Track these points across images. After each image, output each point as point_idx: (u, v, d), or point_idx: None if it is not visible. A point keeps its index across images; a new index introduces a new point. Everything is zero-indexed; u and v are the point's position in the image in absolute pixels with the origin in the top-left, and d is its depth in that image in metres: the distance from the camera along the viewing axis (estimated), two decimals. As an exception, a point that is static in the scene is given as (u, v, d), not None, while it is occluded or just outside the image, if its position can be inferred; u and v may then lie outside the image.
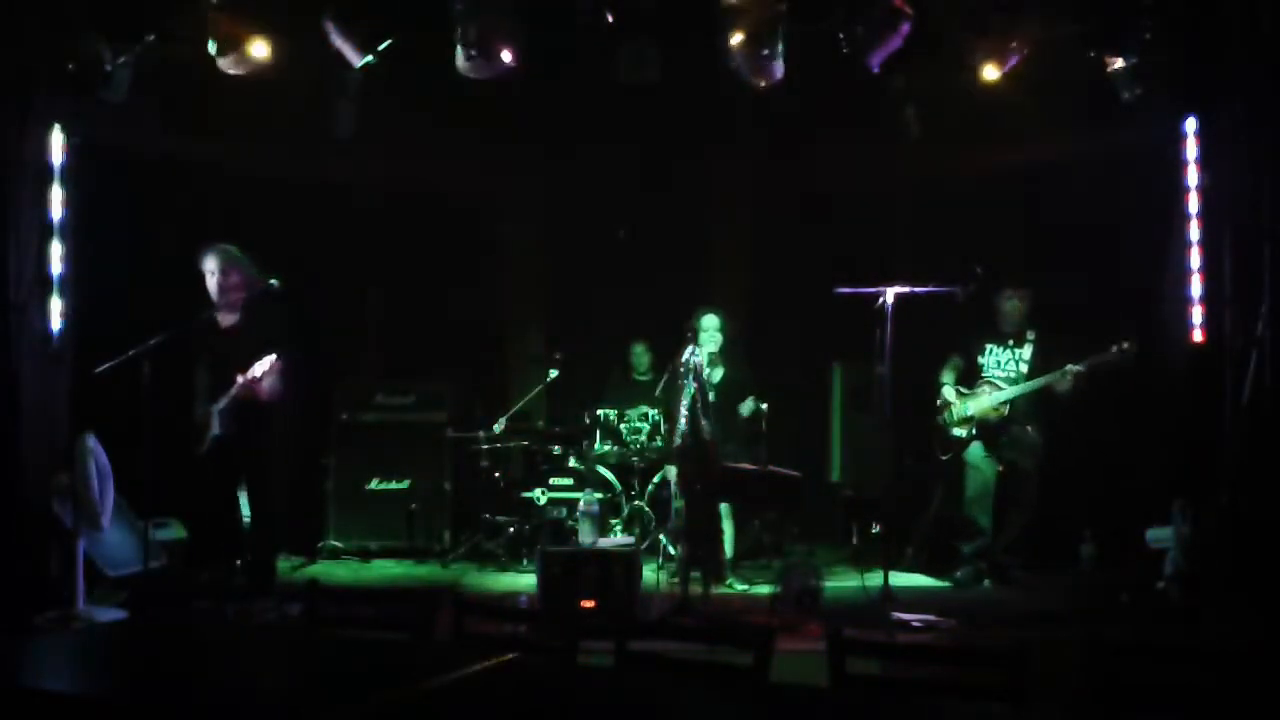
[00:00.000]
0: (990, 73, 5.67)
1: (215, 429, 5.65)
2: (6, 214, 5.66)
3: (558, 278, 8.54)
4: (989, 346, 6.46)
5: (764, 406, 6.81)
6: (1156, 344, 6.34)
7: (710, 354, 6.44)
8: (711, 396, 6.41)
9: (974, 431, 6.37)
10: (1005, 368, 6.40)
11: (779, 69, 5.69)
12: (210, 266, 5.70)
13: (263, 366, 5.46)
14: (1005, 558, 6.33)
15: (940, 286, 5.90)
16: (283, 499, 6.23)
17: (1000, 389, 6.31)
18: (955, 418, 6.42)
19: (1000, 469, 6.36)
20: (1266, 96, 5.43)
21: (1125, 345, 5.90)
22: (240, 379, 5.49)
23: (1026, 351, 6.37)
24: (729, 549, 6.37)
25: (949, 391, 6.47)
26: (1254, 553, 5.25)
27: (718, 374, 6.56)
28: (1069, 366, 6.02)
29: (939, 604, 5.63)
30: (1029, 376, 6.29)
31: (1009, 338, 6.43)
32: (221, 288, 5.68)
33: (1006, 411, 6.28)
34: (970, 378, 6.49)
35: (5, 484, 5.58)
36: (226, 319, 5.77)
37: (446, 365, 7.91)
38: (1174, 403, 6.16)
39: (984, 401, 6.34)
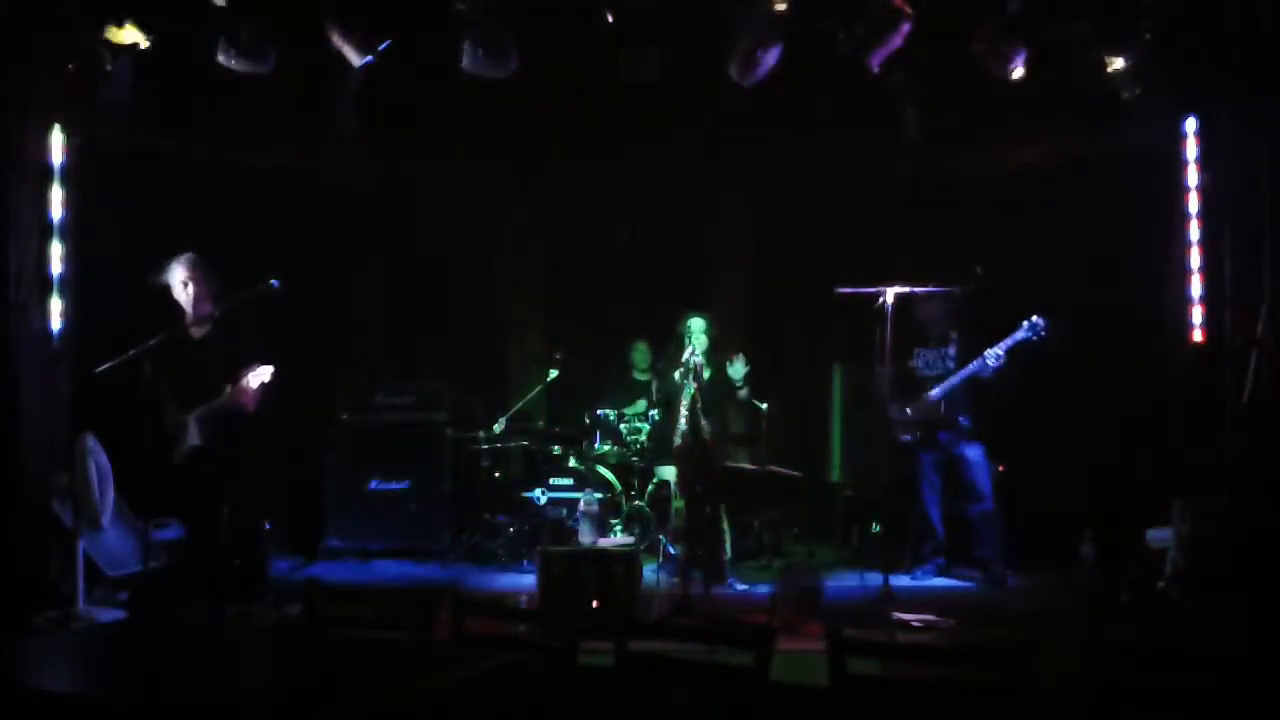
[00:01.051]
0: (994, 74, 5.66)
1: (194, 439, 5.47)
2: (6, 214, 5.66)
3: (558, 278, 8.54)
4: (917, 350, 6.48)
5: (764, 406, 6.81)
6: (1156, 344, 6.35)
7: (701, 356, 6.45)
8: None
9: (919, 435, 6.39)
10: (934, 366, 6.43)
11: (780, 68, 5.69)
12: (181, 276, 5.53)
13: (260, 377, 5.35)
14: (986, 555, 6.27)
15: (940, 286, 5.90)
16: (264, 504, 6.18)
17: (934, 388, 6.34)
18: (900, 426, 6.41)
19: (945, 464, 6.40)
20: (1266, 96, 5.43)
21: (1035, 320, 5.94)
22: (229, 389, 5.35)
23: (952, 349, 6.41)
24: (728, 549, 6.37)
25: (894, 406, 6.43)
26: (1254, 553, 5.25)
27: (704, 375, 6.57)
28: (987, 351, 6.06)
29: (939, 604, 5.63)
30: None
31: (934, 340, 6.46)
32: (195, 298, 5.54)
33: (943, 409, 6.31)
34: (906, 386, 6.44)
35: (5, 484, 5.58)
36: (197, 330, 5.60)
37: (446, 365, 7.91)
38: (1174, 403, 6.16)
39: (923, 404, 6.35)
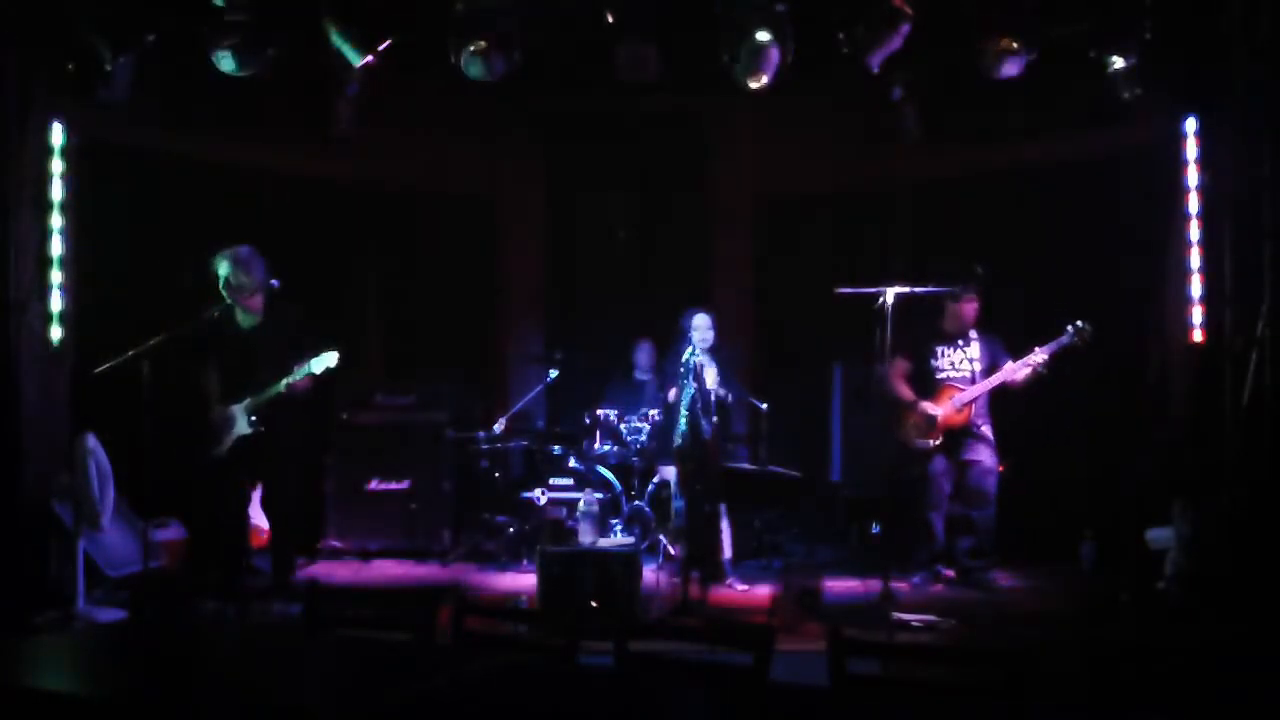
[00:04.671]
0: (998, 73, 5.66)
1: (243, 429, 5.67)
2: (6, 214, 5.66)
3: (558, 278, 8.54)
4: (939, 349, 6.32)
5: (764, 406, 6.81)
6: (1156, 344, 6.34)
7: (703, 352, 6.44)
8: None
9: (940, 439, 6.20)
10: (960, 368, 6.27)
11: (779, 69, 5.69)
12: (223, 271, 5.67)
13: (325, 363, 5.56)
14: (976, 561, 6.20)
15: (940, 286, 5.89)
16: (301, 493, 6.22)
17: (961, 390, 6.20)
18: (925, 425, 6.21)
19: (957, 470, 6.27)
20: (1266, 96, 5.43)
21: (1080, 325, 5.85)
22: (291, 379, 5.53)
23: (974, 349, 6.27)
24: (728, 549, 6.37)
25: (927, 406, 6.23)
26: (1254, 553, 5.25)
27: (713, 380, 6.58)
28: (1033, 353, 5.95)
29: (939, 604, 5.63)
30: (984, 374, 6.20)
31: (955, 338, 6.31)
32: (240, 292, 5.66)
33: (970, 414, 6.18)
34: (923, 382, 6.30)
35: (5, 484, 5.58)
36: (247, 320, 5.78)
37: (446, 365, 7.91)
38: (1174, 403, 6.16)
39: (948, 406, 6.19)
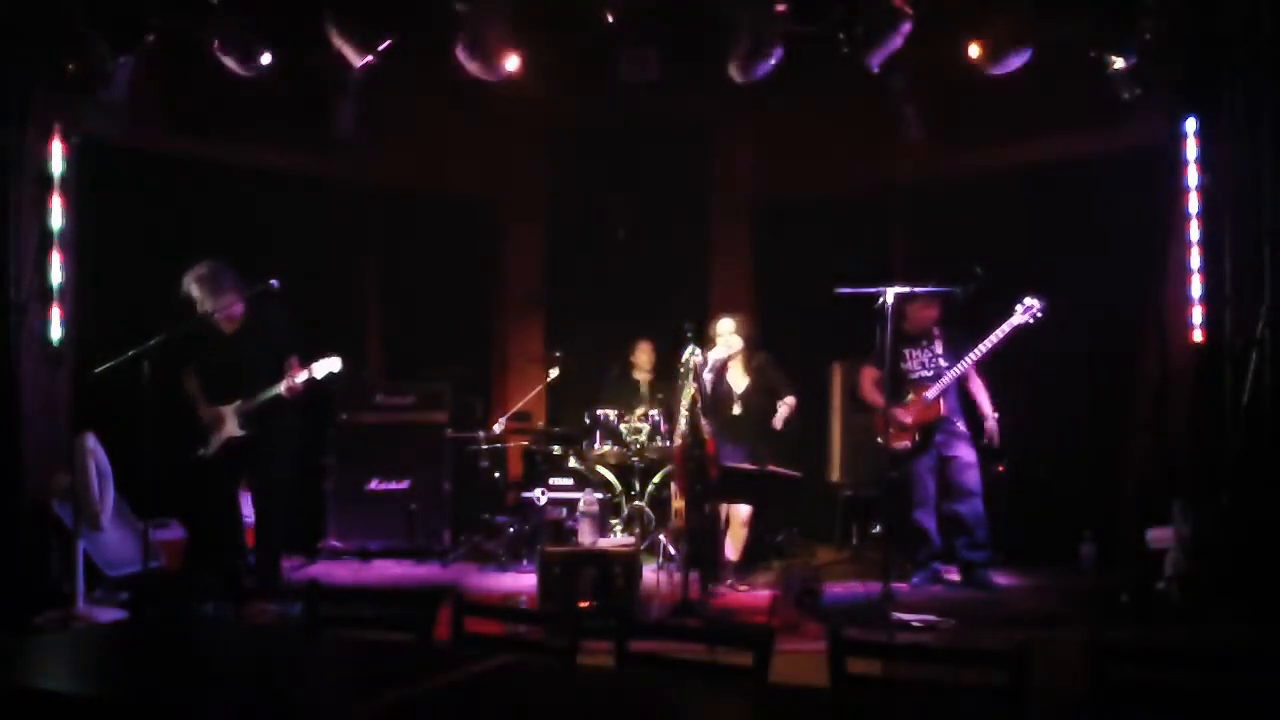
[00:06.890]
0: (993, 72, 5.66)
1: (234, 430, 5.73)
2: (7, 214, 5.67)
3: (558, 278, 8.54)
4: (905, 351, 6.35)
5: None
6: (1156, 344, 6.34)
7: (730, 360, 6.41)
8: (737, 408, 6.40)
9: (916, 438, 6.23)
10: (928, 366, 6.30)
11: (779, 68, 5.70)
12: (195, 293, 5.70)
13: (328, 368, 5.64)
14: (974, 554, 6.18)
15: (940, 286, 5.89)
16: (286, 497, 6.23)
17: (929, 388, 6.22)
18: (898, 427, 6.22)
19: (938, 466, 6.27)
20: (1266, 96, 5.44)
21: (1030, 302, 5.84)
22: (289, 382, 5.60)
23: (939, 346, 6.31)
24: (734, 551, 6.36)
25: (897, 407, 6.25)
26: (1254, 553, 5.25)
27: (742, 384, 6.57)
28: (988, 339, 5.96)
29: (939, 604, 5.63)
30: (949, 370, 6.20)
31: (919, 339, 6.34)
32: (215, 306, 5.70)
33: (942, 409, 6.19)
34: (896, 386, 6.26)
35: (5, 484, 5.58)
36: (228, 326, 5.81)
37: (446, 365, 7.91)
38: (1174, 403, 6.15)
39: (919, 405, 6.21)
